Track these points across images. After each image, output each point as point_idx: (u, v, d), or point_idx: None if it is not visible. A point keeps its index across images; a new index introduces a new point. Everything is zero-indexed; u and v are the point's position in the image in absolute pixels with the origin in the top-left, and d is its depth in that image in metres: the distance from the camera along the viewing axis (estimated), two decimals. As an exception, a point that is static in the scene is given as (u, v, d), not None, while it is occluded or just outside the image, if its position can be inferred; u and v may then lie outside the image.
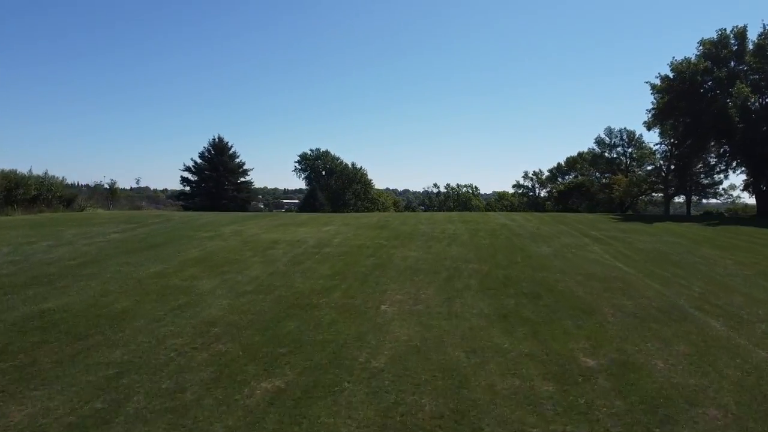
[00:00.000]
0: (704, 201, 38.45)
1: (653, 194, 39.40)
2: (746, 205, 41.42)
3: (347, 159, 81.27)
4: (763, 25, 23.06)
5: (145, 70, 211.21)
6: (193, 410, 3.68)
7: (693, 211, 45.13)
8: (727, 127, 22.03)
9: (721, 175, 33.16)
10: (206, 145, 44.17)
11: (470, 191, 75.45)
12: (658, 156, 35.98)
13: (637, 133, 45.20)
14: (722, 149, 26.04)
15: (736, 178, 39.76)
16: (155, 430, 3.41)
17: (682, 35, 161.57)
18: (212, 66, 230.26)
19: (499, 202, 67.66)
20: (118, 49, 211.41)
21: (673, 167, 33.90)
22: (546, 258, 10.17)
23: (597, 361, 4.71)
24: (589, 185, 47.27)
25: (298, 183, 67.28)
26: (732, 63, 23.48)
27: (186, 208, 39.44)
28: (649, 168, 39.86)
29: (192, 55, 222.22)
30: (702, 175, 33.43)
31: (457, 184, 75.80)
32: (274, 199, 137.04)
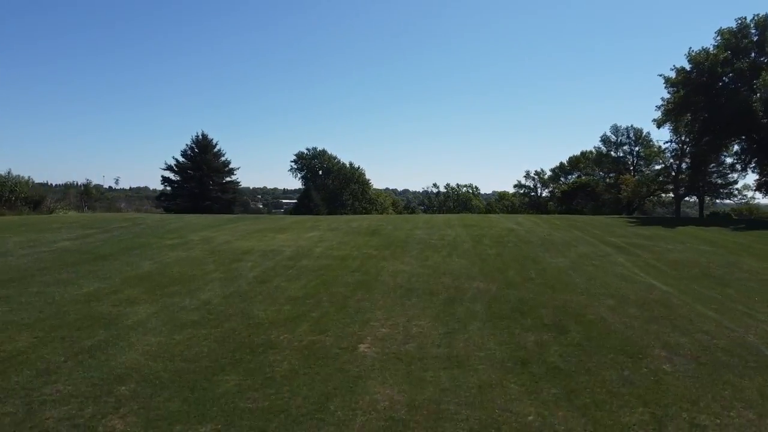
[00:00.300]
0: (717, 202, 36.80)
1: (662, 195, 37.72)
2: (758, 206, 39.83)
3: (347, 159, 79.88)
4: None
5: (145, 71, 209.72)
6: None
7: (695, 213, 43.55)
8: (749, 122, 20.40)
9: (735, 175, 31.60)
10: (189, 143, 41.01)
11: (470, 191, 73.81)
12: (668, 155, 34.31)
13: (645, 131, 43.55)
14: (741, 146, 24.34)
15: (749, 178, 37.83)
16: None
17: (682, 35, 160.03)
18: (212, 65, 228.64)
19: (499, 202, 65.96)
20: (109, 48, 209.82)
21: (684, 166, 32.30)
22: (564, 273, 8.57)
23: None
24: (594, 185, 45.58)
25: (297, 183, 65.37)
26: (753, 54, 21.82)
27: (167, 210, 37.00)
28: (658, 167, 38.14)
29: (192, 55, 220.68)
30: (714, 175, 31.80)
31: (457, 184, 74.19)
32: (273, 199, 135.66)
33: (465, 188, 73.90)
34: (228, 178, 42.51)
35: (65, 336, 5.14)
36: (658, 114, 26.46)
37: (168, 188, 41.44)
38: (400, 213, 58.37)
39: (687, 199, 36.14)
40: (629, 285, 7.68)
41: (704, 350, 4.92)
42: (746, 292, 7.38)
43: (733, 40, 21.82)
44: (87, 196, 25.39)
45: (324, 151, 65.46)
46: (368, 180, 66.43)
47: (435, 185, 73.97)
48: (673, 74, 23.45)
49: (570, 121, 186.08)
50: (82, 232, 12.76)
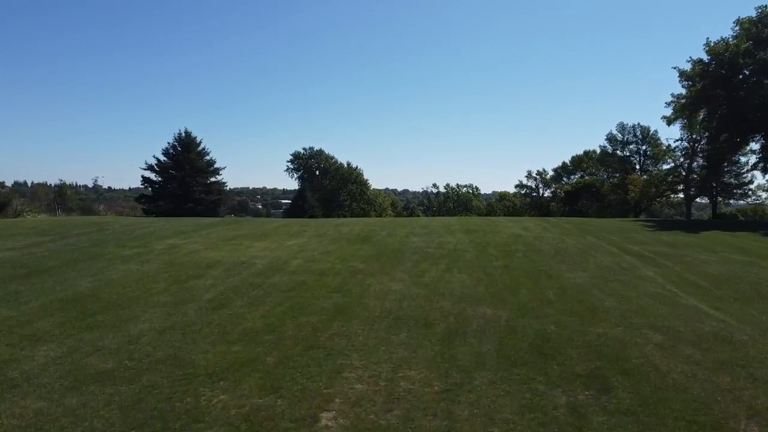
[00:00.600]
0: (731, 202, 35.23)
1: (671, 195, 36.09)
2: (764, 207, 38.13)
3: (347, 159, 78.31)
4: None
5: (144, 71, 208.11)
6: None
7: (704, 215, 41.85)
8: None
9: (749, 175, 30.11)
10: (171, 141, 37.29)
11: (470, 191, 72.16)
12: (679, 153, 32.70)
13: (652, 129, 41.90)
14: (762, 144, 22.75)
15: (760, 177, 36.14)
16: None
17: (682, 35, 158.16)
18: (212, 66, 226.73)
19: (500, 202, 64.31)
20: (109, 48, 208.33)
21: (695, 165, 30.76)
22: (588, 293, 7.09)
23: None
24: (599, 185, 43.94)
25: (295, 183, 63.52)
26: (776, 44, 20.25)
27: (147, 213, 34.69)
28: (667, 167, 36.50)
29: (191, 55, 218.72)
30: (728, 175, 30.25)
31: (457, 184, 72.47)
32: (273, 199, 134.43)
33: (465, 188, 72.28)
34: (213, 179, 39.99)
35: None
36: (668, 111, 24.97)
37: (149, 189, 39.01)
38: (399, 214, 56.86)
39: (698, 200, 34.57)
40: (672, 311, 6.20)
41: (812, 423, 3.45)
42: (820, 320, 5.91)
43: (754, 29, 20.26)
44: (61, 198, 23.74)
45: (321, 151, 63.94)
46: (366, 180, 64.87)
47: (435, 185, 72.32)
48: (688, 66, 21.89)
49: (571, 121, 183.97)
50: (34, 240, 11.27)
